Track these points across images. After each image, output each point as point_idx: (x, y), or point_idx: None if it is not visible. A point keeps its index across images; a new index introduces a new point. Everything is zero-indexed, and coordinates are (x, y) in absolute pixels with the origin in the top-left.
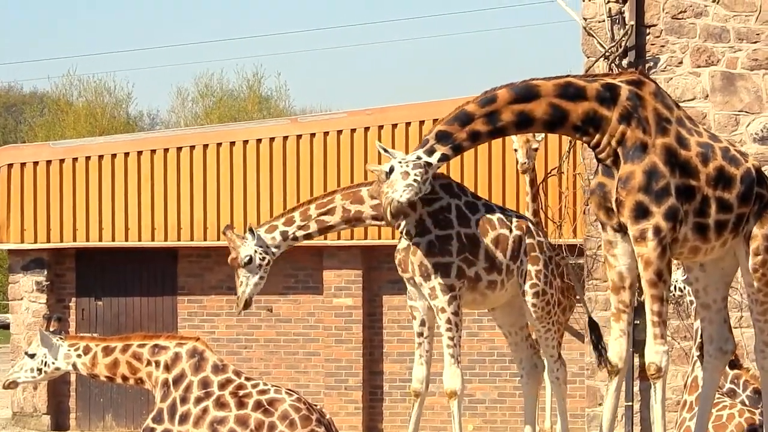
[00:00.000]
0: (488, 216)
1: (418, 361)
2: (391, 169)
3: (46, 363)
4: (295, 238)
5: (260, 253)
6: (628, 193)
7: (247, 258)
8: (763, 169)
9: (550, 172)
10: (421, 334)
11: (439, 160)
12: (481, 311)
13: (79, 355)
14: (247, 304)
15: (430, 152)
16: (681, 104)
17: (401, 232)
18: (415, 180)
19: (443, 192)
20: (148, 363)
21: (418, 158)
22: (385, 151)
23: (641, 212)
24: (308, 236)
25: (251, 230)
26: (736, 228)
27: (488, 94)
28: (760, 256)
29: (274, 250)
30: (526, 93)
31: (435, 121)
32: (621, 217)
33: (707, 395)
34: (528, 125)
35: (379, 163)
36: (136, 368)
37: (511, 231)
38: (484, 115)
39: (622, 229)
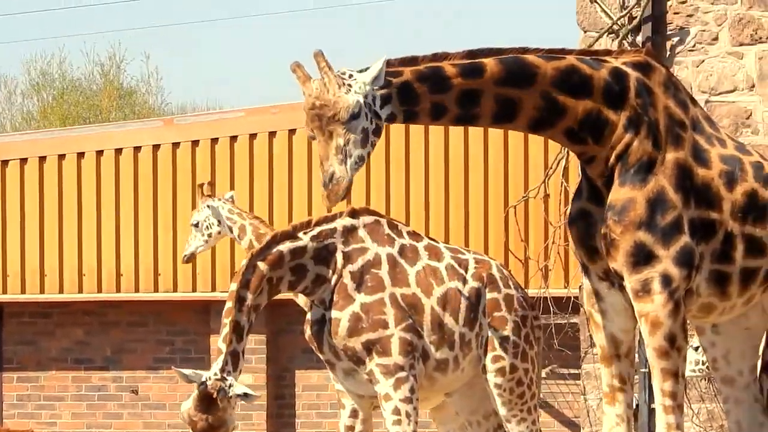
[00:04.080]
0: (433, 264)
1: None
2: (357, 113)
3: None
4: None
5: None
6: (624, 229)
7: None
8: None
9: (528, 194)
10: (351, 429)
11: (386, 120)
12: None
13: None
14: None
15: (385, 101)
16: (715, 98)
17: (312, 301)
18: (369, 153)
19: (370, 238)
20: None
21: (377, 114)
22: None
23: (643, 256)
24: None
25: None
26: None
27: (473, 62)
28: None
29: None
30: (520, 74)
31: None
32: (612, 262)
33: None
34: (507, 121)
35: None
36: None
37: (465, 283)
38: (461, 91)
39: (609, 278)
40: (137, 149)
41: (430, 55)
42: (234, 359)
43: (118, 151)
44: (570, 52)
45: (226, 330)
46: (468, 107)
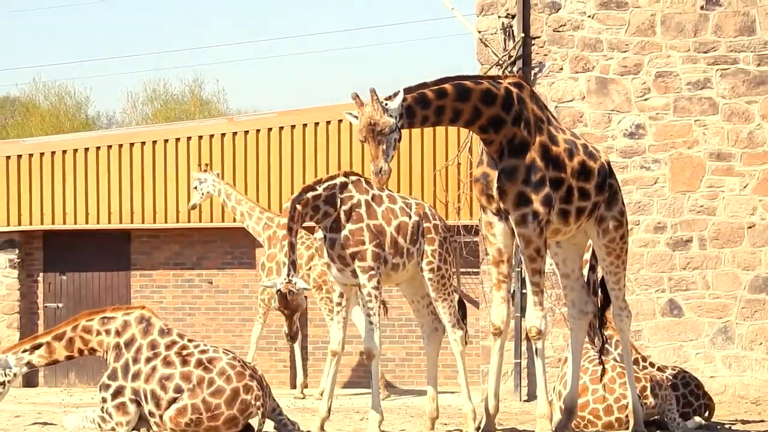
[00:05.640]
0: (391, 206)
1: (336, 326)
2: (393, 129)
3: (6, 375)
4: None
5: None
6: (512, 184)
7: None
8: (611, 161)
9: (449, 162)
10: (339, 304)
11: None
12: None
13: (26, 353)
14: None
15: (399, 117)
16: (561, 105)
17: (318, 227)
18: (394, 154)
19: (355, 189)
20: (98, 333)
21: (399, 128)
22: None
23: (523, 200)
24: None
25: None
26: (591, 213)
27: (441, 87)
28: (610, 234)
29: None
30: (463, 94)
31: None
32: (503, 204)
33: (575, 351)
34: (454, 122)
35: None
36: (88, 340)
37: (410, 217)
38: (437, 106)
39: (499, 213)
40: (211, 136)
41: (417, 84)
42: (293, 266)
43: (200, 138)
44: (484, 77)
45: (285, 249)
46: (439, 117)
